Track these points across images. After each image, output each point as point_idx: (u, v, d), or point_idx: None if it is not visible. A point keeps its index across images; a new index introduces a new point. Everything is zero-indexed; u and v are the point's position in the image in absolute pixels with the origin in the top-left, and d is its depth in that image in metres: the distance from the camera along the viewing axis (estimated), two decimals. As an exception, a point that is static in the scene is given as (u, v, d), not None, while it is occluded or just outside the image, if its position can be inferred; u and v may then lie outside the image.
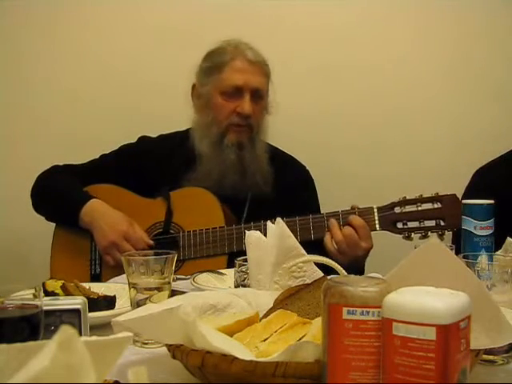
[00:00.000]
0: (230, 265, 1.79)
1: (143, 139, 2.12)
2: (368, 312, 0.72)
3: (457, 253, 1.16)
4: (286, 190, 2.00)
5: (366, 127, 2.45)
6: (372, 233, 1.81)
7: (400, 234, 1.79)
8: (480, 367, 0.94)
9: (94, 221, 1.89)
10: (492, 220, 1.25)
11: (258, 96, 1.97)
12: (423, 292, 0.71)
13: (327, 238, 1.78)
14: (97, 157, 2.10)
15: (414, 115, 2.45)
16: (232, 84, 1.95)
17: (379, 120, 2.45)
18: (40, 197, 2.04)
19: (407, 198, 1.79)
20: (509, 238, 1.26)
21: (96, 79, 2.50)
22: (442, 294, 0.70)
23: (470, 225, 1.24)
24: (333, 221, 1.79)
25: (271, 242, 1.14)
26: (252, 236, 1.18)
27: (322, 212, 1.96)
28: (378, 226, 1.80)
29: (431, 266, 0.80)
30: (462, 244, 1.26)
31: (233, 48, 1.98)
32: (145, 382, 0.54)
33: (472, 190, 1.85)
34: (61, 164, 2.08)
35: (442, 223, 1.76)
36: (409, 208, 1.79)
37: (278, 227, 1.16)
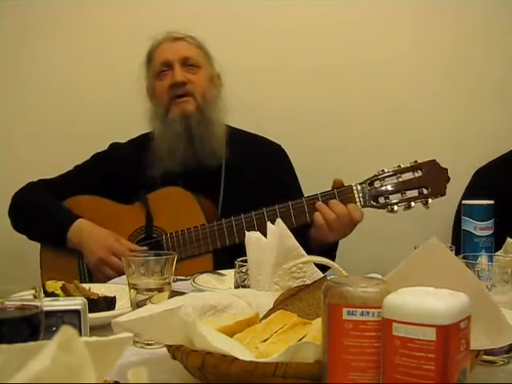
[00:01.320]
0: (216, 262, 1.81)
1: (114, 145, 2.13)
2: (368, 312, 0.72)
3: (457, 253, 1.16)
4: (262, 171, 2.00)
5: (366, 127, 2.45)
6: None
7: (383, 208, 1.77)
8: (480, 368, 0.94)
9: (82, 241, 1.88)
10: (492, 220, 1.25)
11: (191, 64, 1.99)
12: (423, 292, 0.71)
13: (317, 215, 1.77)
14: (71, 168, 2.10)
15: (414, 115, 2.44)
16: (159, 63, 2.00)
17: (379, 120, 2.45)
18: (21, 217, 2.03)
19: (385, 170, 1.78)
20: (509, 239, 1.26)
21: (95, 79, 2.50)
22: (442, 295, 0.70)
23: (470, 225, 1.24)
24: (318, 203, 1.78)
25: (271, 243, 1.14)
26: (252, 237, 1.17)
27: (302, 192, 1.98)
28: (359, 203, 1.78)
29: (431, 267, 0.80)
30: (462, 244, 1.26)
31: (160, 37, 2.04)
32: (145, 382, 0.54)
33: (472, 191, 1.86)
34: (35, 180, 2.07)
35: (425, 192, 1.74)
36: (389, 180, 1.77)
37: (277, 228, 1.16)
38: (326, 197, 1.79)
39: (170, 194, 1.94)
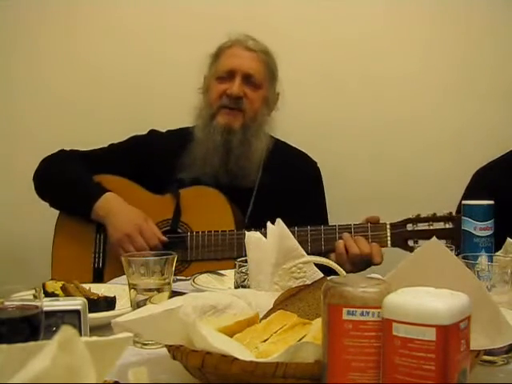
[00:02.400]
0: None
1: (153, 132, 2.10)
2: (368, 312, 0.72)
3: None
4: (295, 190, 1.99)
5: (372, 132, 2.45)
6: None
7: (410, 251, 1.76)
8: (480, 368, 0.94)
9: (109, 215, 1.86)
10: (492, 221, 1.24)
11: (252, 82, 1.97)
12: (423, 292, 0.71)
13: (340, 244, 1.76)
14: (105, 145, 2.08)
15: (421, 119, 2.45)
16: (225, 68, 1.98)
17: (386, 125, 2.45)
18: (47, 183, 2.00)
19: (421, 215, 1.78)
20: (509, 239, 1.26)
21: (88, 82, 2.50)
22: (442, 295, 0.70)
23: (470, 225, 1.24)
24: (346, 234, 1.78)
25: (271, 243, 1.14)
26: (252, 237, 1.17)
27: (327, 212, 2.00)
28: (389, 242, 1.78)
29: (431, 267, 0.80)
30: (462, 244, 1.26)
31: (235, 38, 2.01)
32: (145, 382, 0.54)
33: (472, 191, 1.85)
34: (67, 149, 2.05)
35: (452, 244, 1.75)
36: (421, 226, 1.78)
37: (277, 228, 1.16)
38: (359, 229, 1.79)
39: (203, 193, 1.92)
